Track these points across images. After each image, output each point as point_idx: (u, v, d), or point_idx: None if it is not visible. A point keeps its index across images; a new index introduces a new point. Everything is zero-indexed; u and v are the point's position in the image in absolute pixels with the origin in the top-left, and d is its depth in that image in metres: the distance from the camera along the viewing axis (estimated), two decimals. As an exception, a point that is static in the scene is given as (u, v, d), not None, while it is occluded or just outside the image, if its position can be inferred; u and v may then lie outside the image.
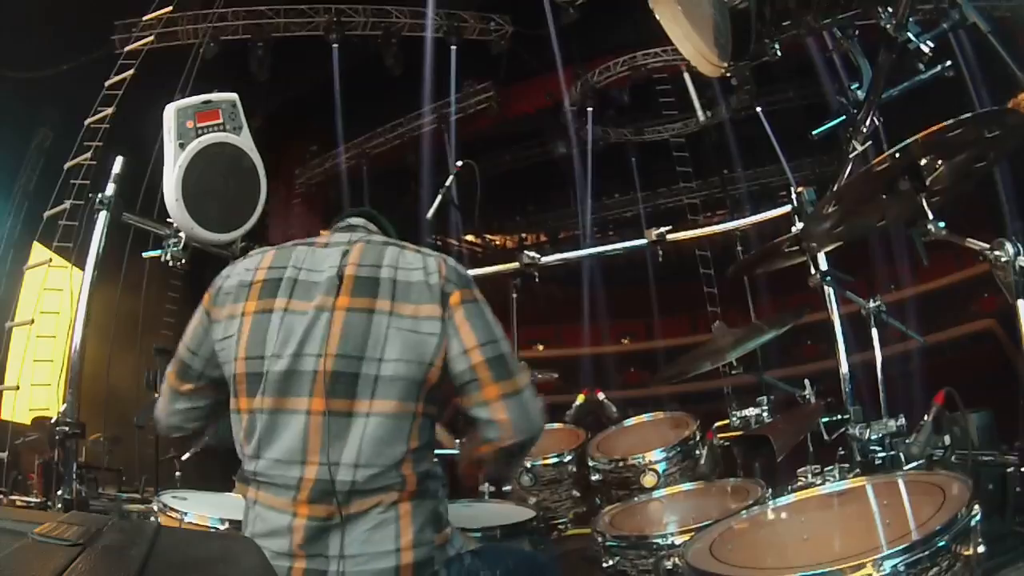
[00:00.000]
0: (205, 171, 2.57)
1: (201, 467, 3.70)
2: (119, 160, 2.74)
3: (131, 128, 6.35)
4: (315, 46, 11.17)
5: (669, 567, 1.69)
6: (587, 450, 2.74)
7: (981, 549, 1.14)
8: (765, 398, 2.59)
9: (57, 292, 7.73)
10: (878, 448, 2.20)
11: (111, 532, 0.93)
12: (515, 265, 3.33)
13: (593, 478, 2.59)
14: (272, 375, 1.32)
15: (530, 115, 13.99)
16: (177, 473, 3.68)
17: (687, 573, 1.38)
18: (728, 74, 2.12)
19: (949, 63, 1.97)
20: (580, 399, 3.35)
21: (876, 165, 1.62)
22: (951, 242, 1.60)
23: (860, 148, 2.30)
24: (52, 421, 3.16)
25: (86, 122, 8.39)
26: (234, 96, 2.70)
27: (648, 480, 2.40)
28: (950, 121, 1.49)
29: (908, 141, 1.53)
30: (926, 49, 1.84)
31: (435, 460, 1.42)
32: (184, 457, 3.65)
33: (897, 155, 1.57)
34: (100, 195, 2.65)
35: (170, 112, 2.54)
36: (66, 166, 8.17)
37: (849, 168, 2.40)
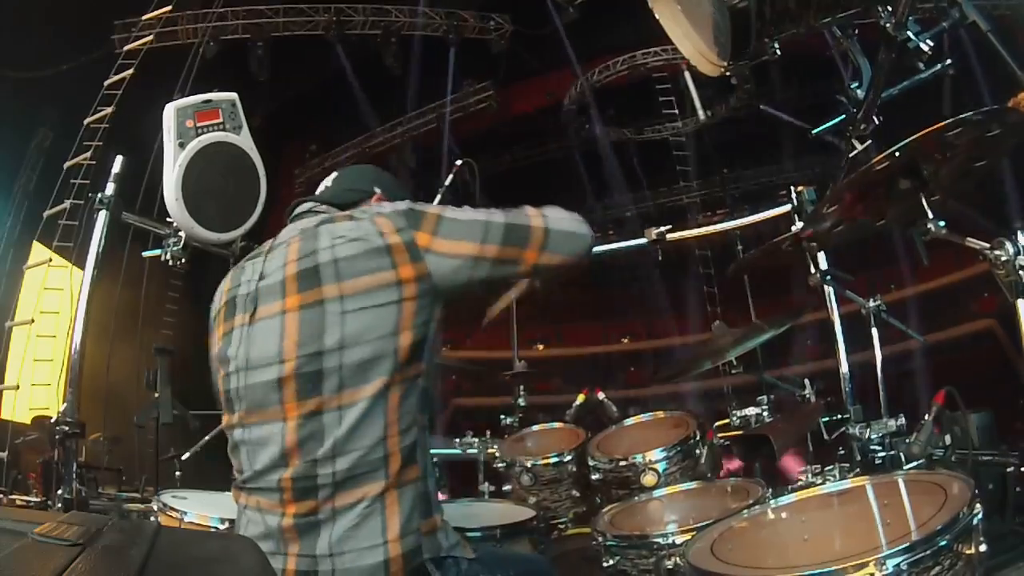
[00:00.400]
0: (205, 170, 2.57)
1: (201, 467, 3.70)
2: (119, 160, 2.74)
3: (131, 128, 6.35)
4: (315, 46, 11.16)
5: (670, 567, 1.69)
6: (587, 450, 2.74)
7: (983, 548, 1.14)
8: (765, 398, 2.59)
9: (57, 292, 7.73)
10: (878, 448, 2.20)
11: (111, 532, 0.93)
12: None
13: (593, 478, 2.59)
14: (242, 390, 1.36)
15: (530, 115, 13.99)
16: (177, 473, 3.67)
17: (688, 573, 1.38)
18: (728, 73, 2.12)
19: (949, 62, 1.97)
20: (580, 399, 3.35)
21: (876, 164, 1.62)
22: (951, 241, 1.60)
23: (860, 148, 2.30)
24: (52, 421, 3.16)
25: (86, 122, 8.39)
26: (234, 96, 2.70)
27: (648, 480, 2.40)
28: (950, 120, 1.49)
29: (908, 140, 1.53)
30: (925, 48, 1.84)
31: (423, 429, 1.33)
32: (184, 457, 3.65)
33: (897, 154, 1.57)
34: (100, 195, 2.66)
35: (170, 111, 2.54)
36: (66, 166, 8.17)
37: (849, 167, 2.40)
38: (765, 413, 2.56)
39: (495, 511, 2.45)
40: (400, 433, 1.28)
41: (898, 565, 1.08)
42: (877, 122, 2.24)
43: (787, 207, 2.97)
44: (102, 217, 2.64)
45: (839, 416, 2.36)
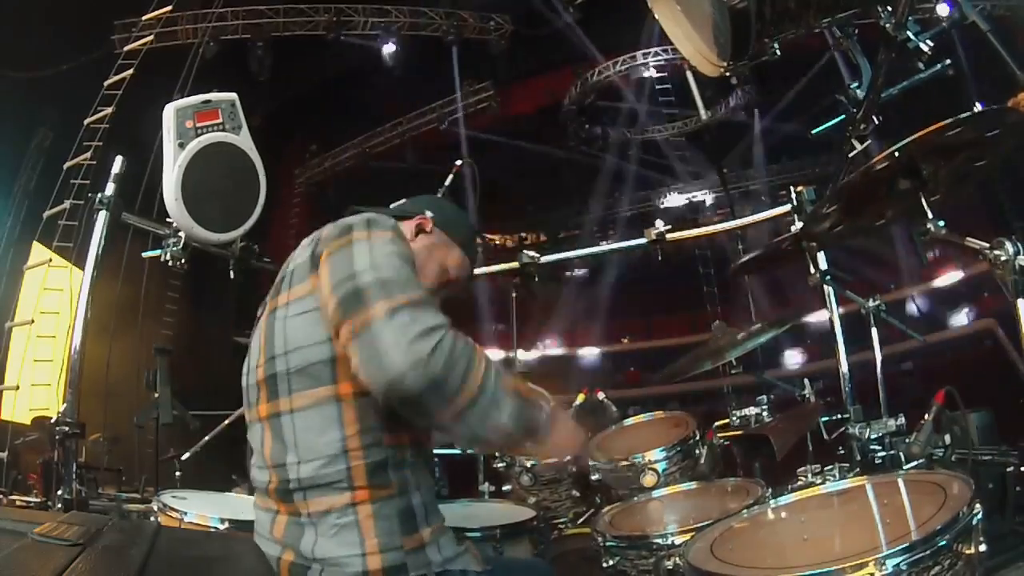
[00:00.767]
0: (205, 171, 2.57)
1: (201, 467, 3.70)
2: (119, 160, 2.74)
3: (131, 128, 6.35)
4: (315, 46, 11.17)
5: (669, 567, 1.69)
6: (587, 450, 2.74)
7: (983, 548, 1.14)
8: (765, 398, 2.59)
9: (57, 292, 7.72)
10: (878, 447, 2.20)
11: (111, 532, 0.93)
12: (515, 265, 3.33)
13: (593, 478, 2.59)
14: (245, 390, 1.41)
15: (530, 115, 14.00)
16: (177, 473, 3.67)
17: (688, 573, 1.38)
18: (728, 74, 2.12)
19: (949, 62, 1.97)
20: (580, 399, 3.34)
21: (875, 164, 1.62)
22: (951, 241, 1.60)
23: (860, 147, 2.30)
24: (52, 421, 3.16)
25: (86, 122, 8.39)
26: (233, 96, 2.70)
27: (648, 480, 2.40)
28: (949, 120, 1.49)
29: (908, 140, 1.53)
30: (925, 48, 1.84)
31: (400, 448, 1.30)
32: (184, 457, 3.65)
33: (897, 154, 1.57)
34: (100, 195, 2.65)
35: (169, 112, 2.54)
36: (66, 166, 8.16)
37: (848, 167, 2.40)
38: (765, 413, 2.56)
39: (495, 511, 2.45)
40: (363, 448, 1.26)
41: (898, 565, 1.08)
42: (877, 122, 2.24)
43: (787, 207, 2.97)
44: (102, 217, 2.64)
45: (839, 416, 2.36)
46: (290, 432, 1.28)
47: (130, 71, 8.67)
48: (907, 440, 1.99)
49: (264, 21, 10.93)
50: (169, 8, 9.39)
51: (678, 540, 1.75)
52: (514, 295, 3.57)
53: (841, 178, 2.36)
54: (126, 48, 9.06)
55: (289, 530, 1.27)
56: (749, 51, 1.84)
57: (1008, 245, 1.48)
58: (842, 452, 2.29)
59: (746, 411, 2.58)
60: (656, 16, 2.26)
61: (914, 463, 1.90)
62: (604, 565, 1.88)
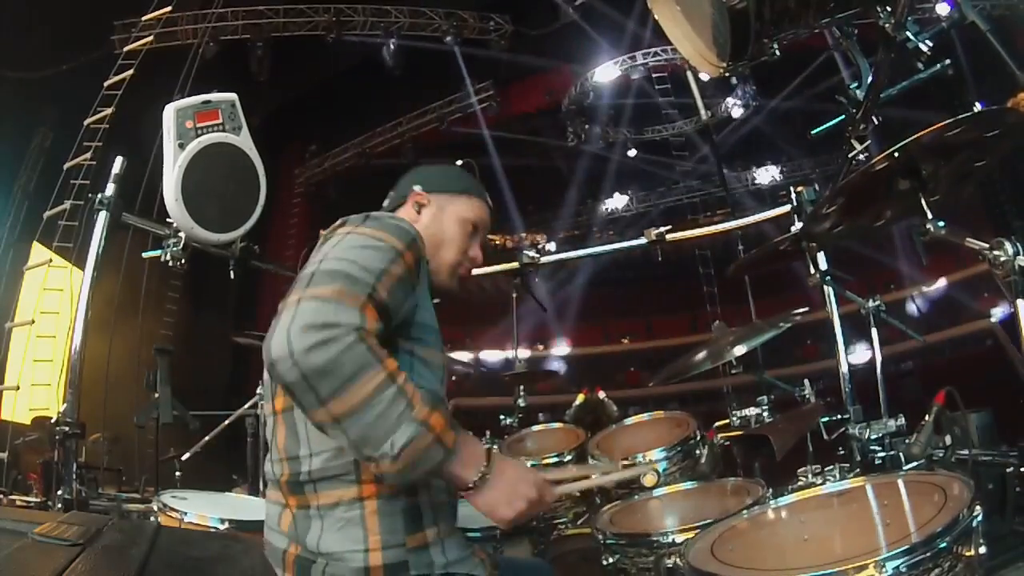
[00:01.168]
0: (205, 171, 2.57)
1: (201, 467, 3.70)
2: (119, 160, 2.74)
3: (131, 128, 6.36)
4: (315, 46, 11.17)
5: (670, 565, 1.69)
6: (587, 450, 2.74)
7: (983, 550, 1.14)
8: (765, 398, 2.59)
9: (57, 292, 7.73)
10: (878, 448, 2.20)
11: (111, 532, 0.93)
12: (515, 265, 3.33)
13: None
14: (263, 385, 1.43)
15: (530, 115, 14.00)
16: (177, 473, 3.68)
17: (688, 574, 1.38)
18: (727, 74, 2.12)
19: (948, 62, 1.97)
20: (580, 399, 3.35)
21: (875, 164, 1.62)
22: (951, 241, 1.60)
23: (859, 148, 2.30)
24: (52, 421, 3.16)
25: (86, 122, 8.39)
26: (233, 96, 2.71)
27: (648, 479, 2.40)
28: (949, 120, 1.49)
29: (907, 140, 1.53)
30: (924, 48, 1.84)
31: None
32: (184, 457, 3.66)
33: (896, 154, 1.57)
34: (100, 195, 2.65)
35: (170, 112, 2.54)
36: (66, 166, 8.17)
37: (848, 168, 2.39)
38: (765, 413, 2.56)
39: (495, 511, 2.45)
40: None
41: (898, 567, 1.08)
42: (876, 122, 2.24)
43: (787, 207, 2.97)
44: (102, 218, 2.64)
45: (839, 416, 2.36)
46: (302, 425, 1.29)
47: (130, 71, 8.68)
48: (907, 441, 1.99)
49: (264, 21, 10.94)
50: (169, 8, 9.39)
51: (678, 538, 1.75)
52: (514, 295, 3.57)
53: (841, 178, 2.36)
54: (126, 48, 9.06)
55: (297, 523, 1.28)
56: (748, 51, 1.84)
57: (1008, 245, 1.48)
58: (842, 452, 2.29)
59: (746, 411, 2.58)
60: (656, 16, 2.26)
61: (914, 464, 1.90)
62: (604, 563, 1.88)
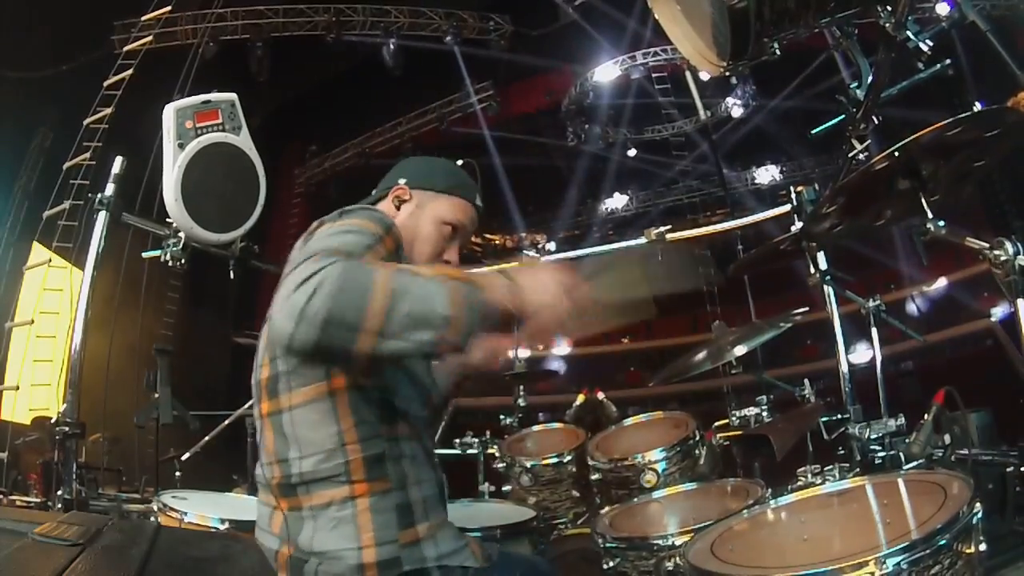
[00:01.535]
0: (204, 171, 2.57)
1: (201, 467, 3.70)
2: (119, 160, 2.74)
3: (130, 128, 6.36)
4: (315, 46, 11.17)
5: (670, 568, 1.69)
6: (587, 450, 2.74)
7: (983, 547, 1.14)
8: (765, 398, 2.60)
9: (57, 292, 7.72)
10: (878, 448, 2.20)
11: (111, 532, 0.93)
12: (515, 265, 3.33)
13: (593, 478, 2.59)
14: (252, 388, 1.41)
15: (530, 115, 14.00)
16: (177, 473, 3.68)
17: (688, 572, 1.38)
18: (728, 74, 2.12)
19: (948, 61, 1.97)
20: (580, 399, 3.35)
21: (875, 164, 1.62)
22: (951, 241, 1.60)
23: (859, 147, 2.30)
24: (52, 421, 3.16)
25: (86, 122, 8.39)
26: (233, 96, 2.71)
27: (648, 480, 2.40)
28: (949, 120, 1.49)
29: (907, 140, 1.53)
30: (925, 48, 1.84)
31: (397, 440, 1.32)
32: (184, 457, 3.66)
33: (896, 154, 1.57)
34: (100, 195, 2.66)
35: (169, 112, 2.55)
36: (66, 166, 8.16)
37: (848, 167, 2.39)
38: (765, 413, 2.56)
39: (495, 511, 2.45)
40: (360, 441, 1.28)
41: (898, 564, 1.08)
42: (876, 122, 2.24)
43: (787, 207, 2.97)
44: (102, 218, 2.65)
45: (839, 416, 2.36)
46: (290, 428, 1.30)
47: (130, 71, 8.67)
48: (907, 440, 1.99)
49: (264, 21, 10.93)
50: (169, 8, 9.39)
51: (678, 541, 1.75)
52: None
53: (841, 178, 2.36)
54: (126, 48, 9.06)
55: (289, 524, 1.29)
56: (748, 51, 1.84)
57: (1008, 245, 1.48)
58: (842, 452, 2.29)
59: (746, 411, 2.59)
60: (656, 15, 2.26)
61: (914, 463, 1.90)
62: (605, 567, 1.88)
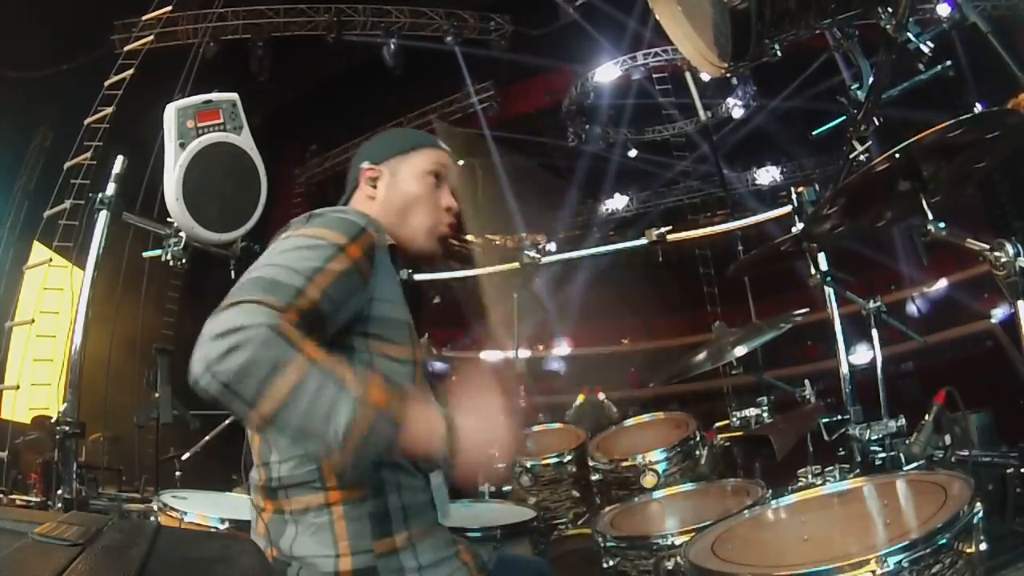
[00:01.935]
0: (205, 171, 2.57)
1: (201, 467, 3.70)
2: (119, 160, 2.74)
3: (131, 128, 6.35)
4: (315, 46, 11.17)
5: (670, 567, 1.69)
6: (587, 450, 2.74)
7: (983, 547, 1.14)
8: (765, 398, 2.60)
9: (57, 292, 7.72)
10: (878, 448, 2.20)
11: (111, 532, 0.93)
12: (515, 265, 3.33)
13: (593, 478, 2.59)
14: None
15: (530, 115, 13.99)
16: (177, 473, 3.68)
17: (688, 571, 1.38)
18: (728, 74, 2.12)
19: (949, 63, 1.97)
20: (580, 399, 3.35)
21: (876, 165, 1.62)
22: (951, 242, 1.60)
23: (860, 148, 2.30)
24: (52, 421, 3.16)
25: (86, 122, 8.39)
26: (234, 96, 2.70)
27: (648, 480, 2.40)
28: (950, 121, 1.49)
29: (908, 141, 1.53)
30: (926, 49, 1.84)
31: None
32: (184, 457, 3.66)
33: (897, 155, 1.57)
34: (100, 195, 2.66)
35: (170, 112, 2.54)
36: (66, 166, 8.16)
37: (849, 168, 2.40)
38: (765, 414, 2.56)
39: (495, 511, 2.45)
40: None
41: (899, 563, 1.09)
42: (877, 123, 2.24)
43: (787, 207, 2.97)
44: (102, 217, 2.64)
45: (839, 417, 2.36)
46: (272, 432, 1.29)
47: (130, 71, 8.67)
48: (907, 441, 1.99)
49: (264, 21, 10.93)
50: (169, 8, 9.39)
51: (678, 541, 1.75)
52: (514, 295, 3.57)
53: (842, 179, 2.36)
54: (126, 48, 9.05)
55: (272, 527, 1.29)
56: (749, 52, 1.84)
57: (1008, 246, 1.48)
58: (842, 453, 2.29)
59: (746, 412, 2.59)
60: (656, 16, 2.26)
61: (914, 464, 1.90)
62: (604, 566, 1.89)
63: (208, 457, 3.65)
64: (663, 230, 3.23)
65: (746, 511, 1.64)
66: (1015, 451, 2.92)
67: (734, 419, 2.62)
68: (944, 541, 1.12)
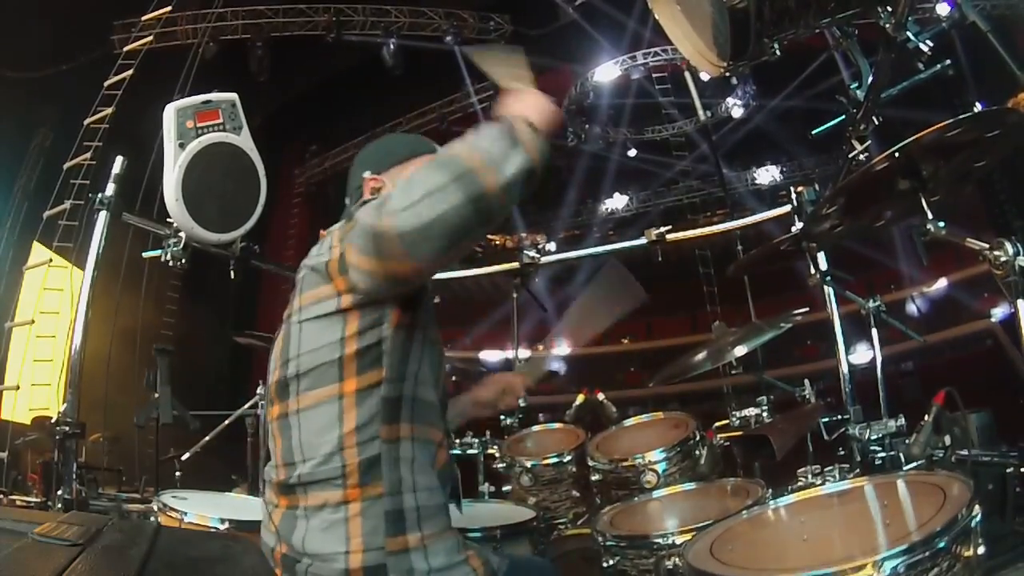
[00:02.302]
0: (205, 171, 2.57)
1: (201, 467, 3.70)
2: (119, 160, 2.74)
3: (131, 128, 6.36)
4: (315, 46, 11.16)
5: (669, 567, 1.69)
6: (587, 450, 2.74)
7: (981, 550, 1.14)
8: (765, 398, 2.59)
9: (57, 292, 7.72)
10: (878, 448, 2.20)
11: (111, 532, 0.93)
12: (515, 265, 3.33)
13: (593, 478, 2.59)
14: (265, 393, 1.48)
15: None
16: (177, 473, 3.68)
17: (688, 573, 1.38)
18: (728, 74, 2.12)
19: (948, 62, 1.97)
20: (580, 399, 3.35)
21: (875, 165, 1.62)
22: (951, 241, 1.60)
23: (860, 148, 2.30)
24: (52, 421, 3.16)
25: (86, 122, 8.39)
26: (234, 96, 2.71)
27: (648, 480, 2.40)
28: (950, 120, 1.49)
29: (908, 140, 1.53)
30: (925, 48, 1.84)
31: (396, 443, 1.30)
32: (184, 457, 3.66)
33: (897, 154, 1.57)
34: (100, 195, 2.66)
35: (170, 112, 2.55)
36: (66, 166, 8.17)
37: (848, 168, 2.40)
38: (765, 413, 2.56)
39: (495, 511, 2.45)
40: (358, 444, 1.28)
41: (896, 567, 1.08)
42: (877, 122, 2.24)
43: (787, 207, 2.98)
44: (102, 217, 2.65)
45: (839, 416, 2.36)
46: (296, 431, 1.32)
47: (130, 71, 8.68)
48: (907, 441, 1.99)
49: (264, 21, 10.93)
50: (169, 8, 9.39)
51: (679, 540, 1.75)
52: (515, 295, 3.57)
53: (841, 178, 2.36)
54: (126, 48, 9.06)
55: (285, 522, 1.31)
56: (749, 51, 1.84)
57: (1008, 246, 1.48)
58: (842, 453, 2.29)
59: (746, 411, 2.59)
60: (656, 16, 2.26)
61: (914, 464, 1.90)
62: (604, 565, 1.88)
63: (208, 457, 3.65)
64: (662, 230, 3.23)
65: (745, 511, 1.64)
66: (1015, 451, 2.92)
67: (734, 419, 2.62)
68: (942, 545, 1.11)
